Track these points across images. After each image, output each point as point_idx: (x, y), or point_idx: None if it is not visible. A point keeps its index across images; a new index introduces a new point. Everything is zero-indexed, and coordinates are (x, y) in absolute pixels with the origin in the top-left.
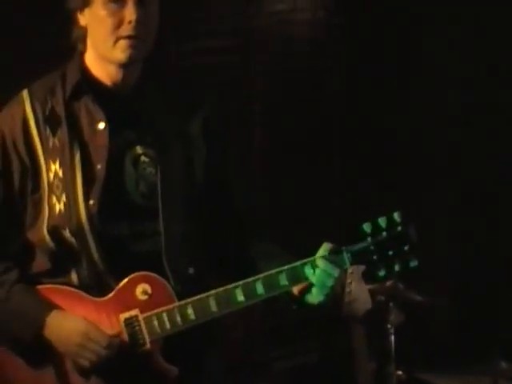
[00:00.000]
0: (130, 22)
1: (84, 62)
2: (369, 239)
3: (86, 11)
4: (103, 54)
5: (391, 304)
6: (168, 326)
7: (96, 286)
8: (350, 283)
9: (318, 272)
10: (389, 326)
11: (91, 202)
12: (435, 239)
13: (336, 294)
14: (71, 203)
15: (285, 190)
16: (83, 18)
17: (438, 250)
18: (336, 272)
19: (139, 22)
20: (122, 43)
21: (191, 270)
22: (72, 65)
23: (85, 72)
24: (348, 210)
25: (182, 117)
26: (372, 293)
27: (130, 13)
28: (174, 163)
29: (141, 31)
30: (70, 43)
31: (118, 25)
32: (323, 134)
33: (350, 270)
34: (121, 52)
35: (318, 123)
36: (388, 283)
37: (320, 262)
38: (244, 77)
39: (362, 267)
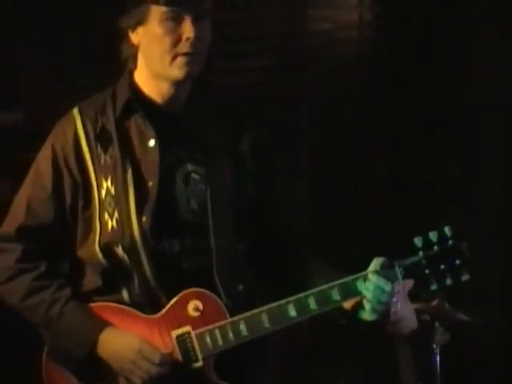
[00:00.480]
0: (188, 39)
1: (134, 79)
2: (421, 253)
3: (140, 29)
4: (159, 72)
5: (437, 323)
6: (221, 342)
7: (147, 303)
8: (396, 302)
9: (371, 287)
10: (434, 345)
11: (144, 218)
12: (483, 256)
13: (384, 312)
14: (124, 220)
15: (332, 206)
16: (136, 37)
17: (486, 268)
18: (389, 287)
19: (197, 39)
20: (180, 60)
21: (241, 287)
22: (121, 83)
23: (135, 90)
24: (395, 224)
25: (231, 135)
26: (417, 312)
27: (188, 30)
28: (224, 181)
29: (198, 47)
30: (119, 61)
31: (176, 42)
32: (370, 151)
33: (395, 289)
34: (178, 69)
35: (364, 140)
36: (434, 302)
37: (372, 277)
38: (289, 96)
39: (408, 286)
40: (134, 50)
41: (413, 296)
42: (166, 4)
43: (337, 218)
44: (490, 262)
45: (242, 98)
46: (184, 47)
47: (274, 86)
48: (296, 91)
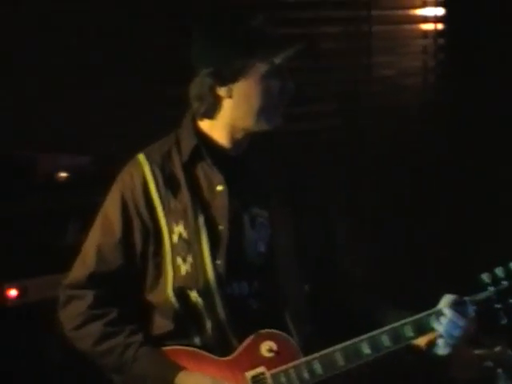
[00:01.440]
0: (284, 93)
1: (198, 125)
2: (491, 288)
3: (234, 85)
4: (245, 127)
5: (500, 370)
6: (296, 381)
7: (219, 346)
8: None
9: (445, 322)
10: None
11: (218, 261)
12: None
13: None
14: (198, 264)
15: (393, 244)
16: (227, 91)
17: None
18: (462, 321)
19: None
20: (272, 113)
21: (309, 327)
22: (185, 128)
23: (201, 137)
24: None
25: (292, 179)
26: (480, 358)
27: (288, 84)
28: (287, 224)
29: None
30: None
31: (277, 93)
32: (431, 196)
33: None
34: (268, 122)
35: (428, 185)
36: (496, 349)
37: (446, 312)
38: (351, 141)
39: (471, 329)
40: (218, 101)
41: (475, 342)
42: (273, 62)
43: (399, 257)
44: None
45: (304, 144)
46: (279, 100)
47: (336, 131)
48: (359, 137)
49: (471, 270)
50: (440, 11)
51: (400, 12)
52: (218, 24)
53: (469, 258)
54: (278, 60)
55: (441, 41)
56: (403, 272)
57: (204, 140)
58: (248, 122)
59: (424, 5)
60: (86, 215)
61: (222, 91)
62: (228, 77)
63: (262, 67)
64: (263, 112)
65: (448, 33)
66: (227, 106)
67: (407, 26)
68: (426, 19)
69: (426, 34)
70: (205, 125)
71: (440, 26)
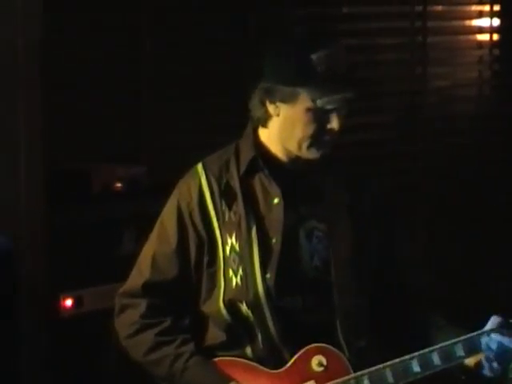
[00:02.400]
0: (331, 130)
1: (258, 137)
2: None
3: (282, 105)
4: (291, 151)
5: None
6: None
7: (270, 359)
8: None
9: (495, 345)
10: None
11: (268, 275)
12: None
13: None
14: (248, 277)
15: (445, 262)
16: (274, 109)
17: None
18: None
19: (340, 129)
20: (318, 146)
21: (363, 342)
22: (245, 139)
23: (260, 148)
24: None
25: (351, 191)
26: None
27: (333, 122)
28: (345, 237)
29: (338, 134)
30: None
31: (318, 130)
32: (489, 208)
33: None
34: (313, 153)
35: (486, 197)
36: None
37: (496, 335)
38: (407, 153)
39: None
40: (268, 115)
41: None
42: (320, 104)
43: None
44: None
45: (362, 156)
46: (326, 136)
47: (392, 143)
48: (414, 148)
49: None
50: (495, 22)
51: (455, 23)
52: (285, 43)
53: None
54: (320, 103)
55: (496, 51)
56: (456, 286)
57: (263, 152)
58: (292, 145)
59: (479, 15)
60: (141, 225)
61: (271, 107)
62: (277, 96)
63: (307, 101)
64: (305, 141)
65: (503, 43)
66: (275, 123)
67: (462, 37)
68: (481, 30)
69: (481, 44)
70: (264, 135)
71: (495, 37)
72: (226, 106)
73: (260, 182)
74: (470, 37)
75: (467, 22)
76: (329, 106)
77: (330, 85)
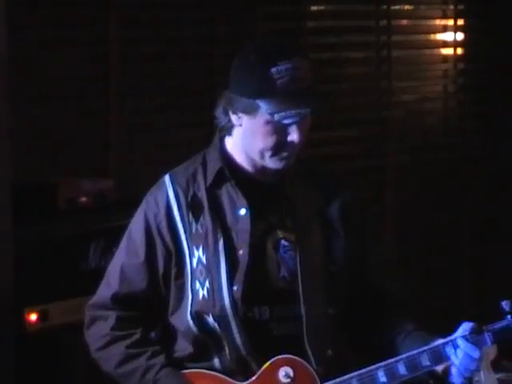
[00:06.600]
0: (292, 142)
1: (225, 147)
2: (509, 317)
3: (244, 116)
4: (254, 159)
5: None
6: None
7: (238, 370)
8: (479, 371)
9: (460, 353)
10: None
11: (235, 287)
12: None
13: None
14: (215, 289)
15: (418, 270)
16: (237, 119)
17: None
18: (477, 353)
19: (300, 141)
20: (280, 157)
21: (330, 352)
22: (212, 150)
23: (227, 158)
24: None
25: (321, 201)
26: (501, 383)
27: (294, 135)
28: (314, 247)
29: (299, 146)
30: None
31: (279, 142)
32: (455, 221)
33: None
34: (276, 164)
35: (450, 211)
36: None
37: (461, 343)
38: (373, 166)
39: (492, 355)
40: (231, 124)
41: (496, 366)
42: (277, 118)
43: (423, 279)
44: None
45: (329, 167)
46: (287, 149)
47: (358, 157)
48: (379, 162)
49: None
50: (459, 36)
51: (420, 37)
52: (248, 55)
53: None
54: (277, 117)
55: (460, 65)
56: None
57: (229, 162)
58: (255, 155)
59: (444, 30)
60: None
61: (233, 117)
62: (239, 107)
63: (266, 114)
64: (267, 152)
65: (468, 57)
66: (239, 132)
67: (427, 51)
68: (445, 44)
69: (446, 58)
70: (229, 144)
71: (460, 51)
72: (195, 119)
73: (227, 192)
74: (435, 51)
75: (432, 36)
76: (287, 121)
77: (288, 99)
